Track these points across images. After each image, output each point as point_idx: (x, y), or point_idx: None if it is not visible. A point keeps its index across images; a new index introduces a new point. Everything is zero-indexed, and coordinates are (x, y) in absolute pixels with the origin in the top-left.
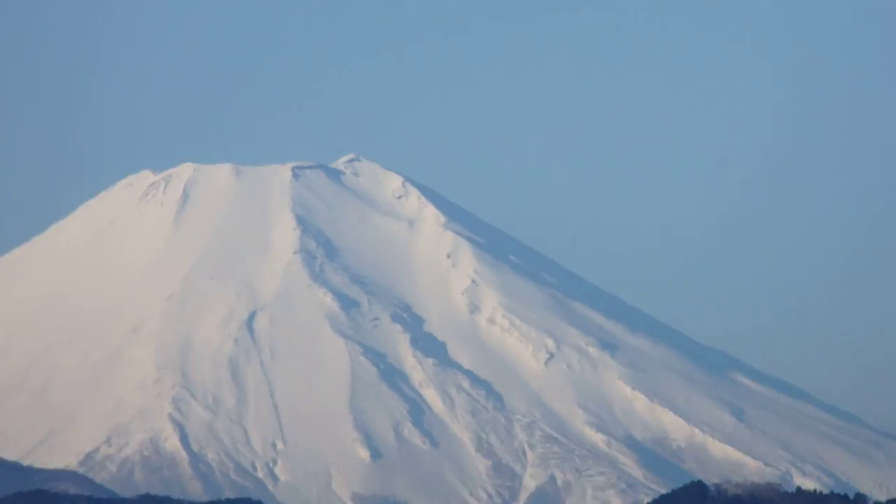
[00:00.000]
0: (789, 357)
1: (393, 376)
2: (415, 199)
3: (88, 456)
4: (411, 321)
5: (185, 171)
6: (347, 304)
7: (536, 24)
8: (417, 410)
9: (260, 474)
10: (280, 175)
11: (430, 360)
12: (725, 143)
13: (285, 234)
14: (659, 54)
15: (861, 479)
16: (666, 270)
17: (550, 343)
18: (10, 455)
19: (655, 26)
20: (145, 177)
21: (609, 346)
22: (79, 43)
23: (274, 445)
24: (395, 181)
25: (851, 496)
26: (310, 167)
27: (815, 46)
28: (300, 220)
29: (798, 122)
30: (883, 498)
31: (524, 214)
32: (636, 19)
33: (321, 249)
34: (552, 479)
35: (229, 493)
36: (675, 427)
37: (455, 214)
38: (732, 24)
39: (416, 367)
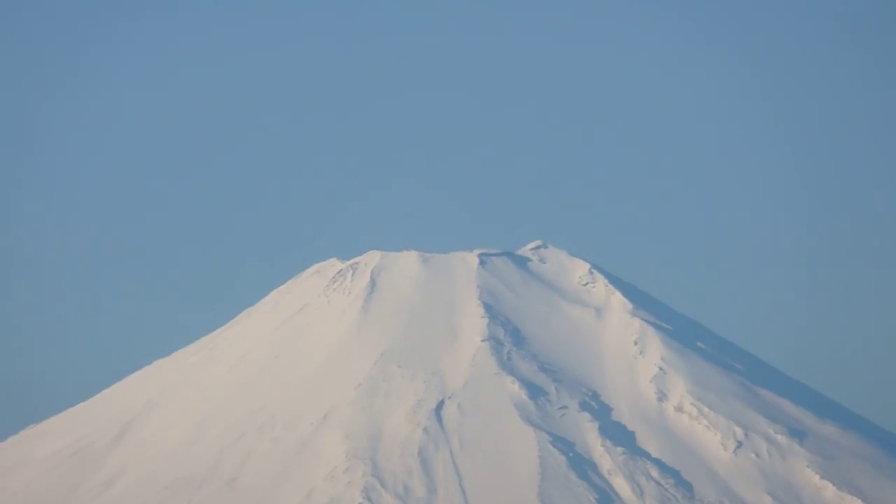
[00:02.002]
0: None
1: (582, 465)
2: (602, 286)
3: None
4: (599, 410)
5: (371, 258)
6: (535, 392)
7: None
8: (607, 499)
9: None
10: (467, 262)
11: (619, 449)
12: None
13: (473, 322)
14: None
15: None
16: (852, 356)
17: (739, 431)
18: None
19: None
20: (333, 264)
21: (797, 433)
22: (279, 137)
23: None
24: (581, 268)
25: None
26: (496, 254)
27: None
28: (487, 308)
29: None
30: None
31: (711, 301)
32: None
33: (509, 337)
34: None
35: None
36: None
37: (642, 301)
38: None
39: (604, 456)
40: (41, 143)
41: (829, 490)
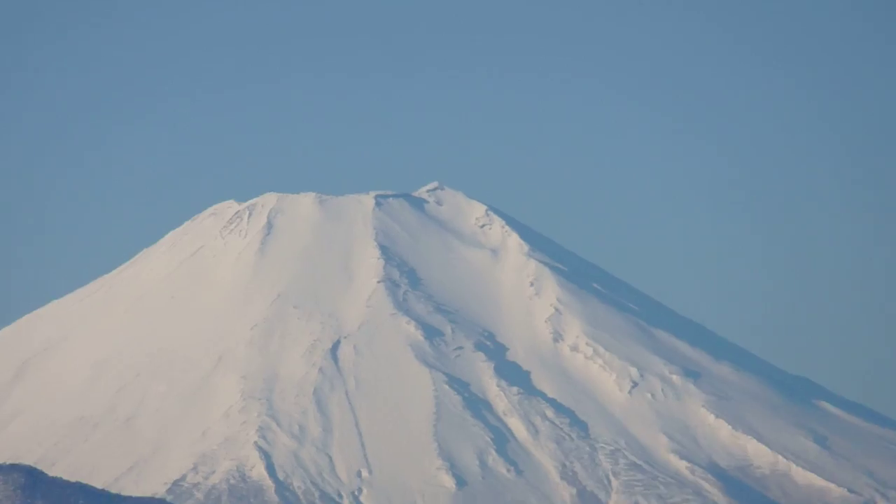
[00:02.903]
0: (874, 383)
1: (477, 405)
2: (498, 227)
3: (175, 484)
4: (495, 350)
5: (268, 200)
6: (431, 333)
7: (616, 47)
8: (502, 439)
9: (346, 502)
10: (363, 204)
11: (514, 389)
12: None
13: (369, 264)
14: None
15: None
16: (749, 298)
17: (634, 371)
18: (99, 483)
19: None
20: (229, 206)
21: (692, 374)
22: (165, 69)
23: (359, 474)
24: (478, 210)
25: None
26: (393, 196)
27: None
28: (383, 250)
29: None
30: None
31: (607, 242)
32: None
33: (405, 278)
34: None
35: None
36: (758, 454)
37: (538, 243)
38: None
39: (500, 396)
40: None
41: (724, 429)
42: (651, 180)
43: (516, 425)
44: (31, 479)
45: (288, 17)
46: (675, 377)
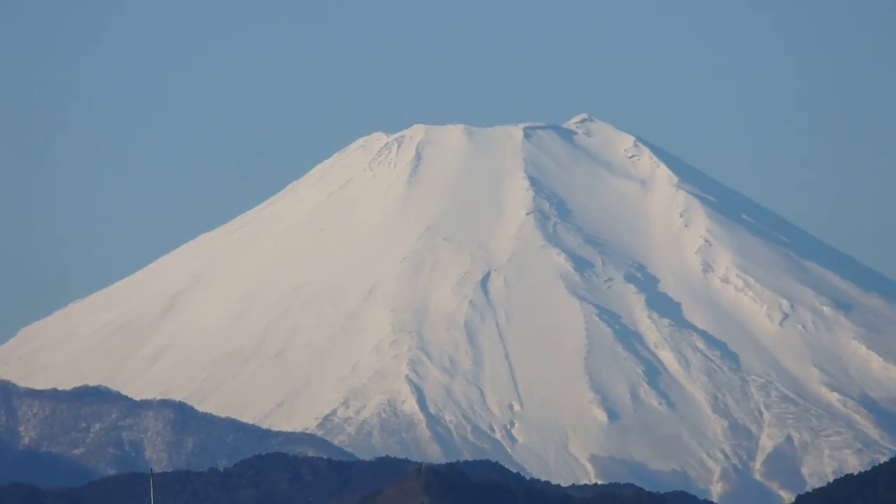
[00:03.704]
0: None
1: (628, 337)
2: (647, 159)
3: (326, 419)
4: (645, 282)
5: (417, 132)
6: (581, 264)
7: None
8: (653, 372)
9: (497, 436)
10: (512, 136)
11: (665, 321)
12: None
13: (518, 195)
14: None
15: None
16: None
17: (785, 303)
18: (249, 419)
19: None
20: (378, 138)
21: (843, 305)
22: (322, 15)
23: (511, 407)
24: (627, 141)
25: None
26: (542, 127)
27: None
28: (533, 181)
29: None
30: None
31: (757, 173)
32: None
33: (554, 210)
34: (789, 439)
35: (467, 455)
36: None
37: (687, 174)
38: None
39: (651, 329)
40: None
41: (876, 361)
42: (800, 111)
43: (668, 358)
44: (181, 415)
45: None
46: (826, 309)
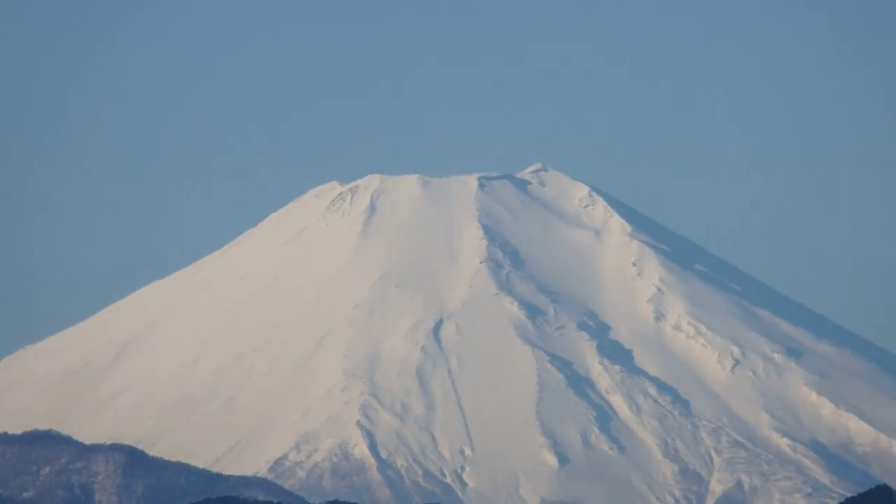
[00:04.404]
0: None
1: (580, 383)
2: (601, 208)
3: (277, 462)
4: (597, 329)
5: (371, 181)
6: (534, 312)
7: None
8: (604, 417)
9: (448, 480)
10: (466, 185)
11: (617, 368)
12: None
13: (472, 244)
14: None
15: None
16: (849, 276)
17: (736, 350)
18: (200, 463)
19: None
20: (332, 188)
21: (794, 352)
22: (267, 53)
23: (462, 452)
24: (581, 191)
25: None
26: (496, 178)
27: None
28: (487, 230)
29: None
30: None
31: (709, 222)
32: None
33: (507, 259)
34: (739, 483)
35: (418, 499)
36: (860, 432)
37: (641, 224)
38: None
39: (602, 375)
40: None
41: (827, 407)
42: (754, 162)
43: (619, 403)
44: (132, 459)
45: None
46: (776, 355)
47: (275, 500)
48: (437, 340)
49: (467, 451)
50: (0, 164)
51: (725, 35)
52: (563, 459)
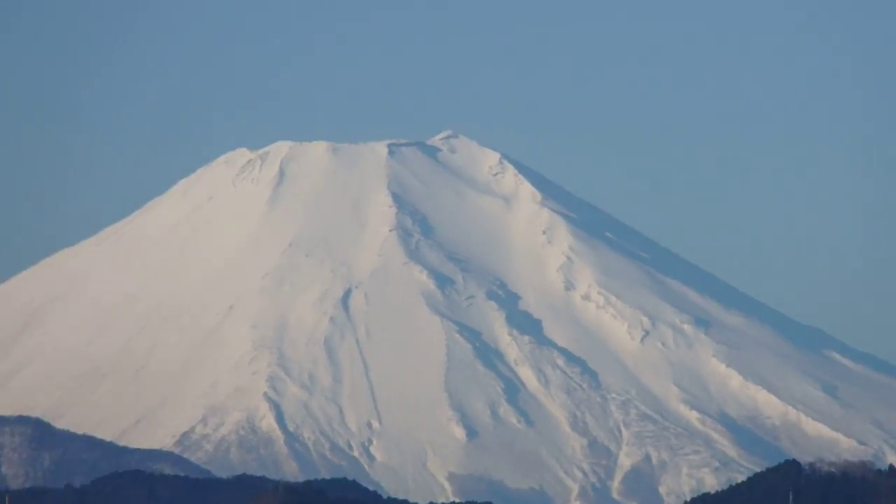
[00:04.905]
0: (884, 333)
1: (488, 354)
2: (511, 176)
3: (184, 436)
4: (507, 299)
5: (281, 148)
6: (443, 281)
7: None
8: (513, 389)
9: (356, 454)
10: (376, 152)
11: (526, 338)
12: (824, 127)
13: (381, 212)
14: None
15: None
16: (759, 247)
17: (645, 320)
18: (107, 435)
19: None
20: (242, 154)
21: (703, 323)
22: (185, 27)
23: (369, 425)
24: (491, 158)
25: None
26: (406, 144)
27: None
28: (396, 198)
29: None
30: None
31: (620, 191)
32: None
33: (417, 227)
34: (647, 457)
35: (325, 473)
36: (768, 405)
37: (551, 191)
38: None
39: (511, 346)
40: None
41: (735, 379)
42: (660, 120)
43: (527, 375)
44: (38, 431)
45: None
46: (686, 326)
47: (182, 474)
48: (346, 310)
49: (375, 424)
50: None
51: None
52: (471, 433)
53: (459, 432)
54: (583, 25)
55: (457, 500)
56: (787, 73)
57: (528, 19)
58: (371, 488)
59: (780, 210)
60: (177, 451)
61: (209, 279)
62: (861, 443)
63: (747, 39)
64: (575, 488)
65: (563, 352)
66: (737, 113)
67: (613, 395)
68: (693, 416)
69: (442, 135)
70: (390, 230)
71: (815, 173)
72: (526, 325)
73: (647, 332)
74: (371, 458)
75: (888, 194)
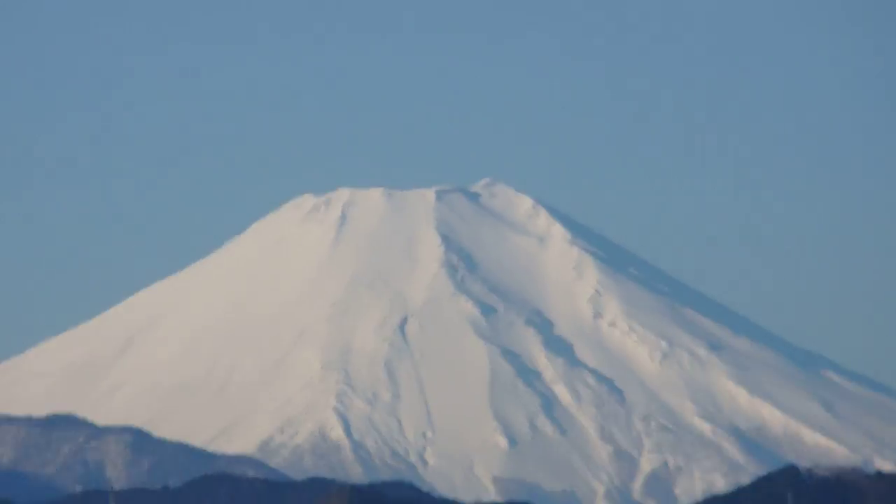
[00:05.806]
0: (874, 356)
1: (527, 374)
2: (544, 218)
3: (264, 443)
4: (543, 325)
5: (342, 194)
6: (487, 310)
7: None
8: (549, 404)
9: (412, 459)
10: (425, 198)
11: (560, 360)
12: (834, 151)
13: (431, 250)
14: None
15: None
16: (766, 281)
17: (664, 345)
18: (197, 442)
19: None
20: (307, 199)
21: (716, 347)
22: (252, 79)
23: (424, 434)
24: (526, 202)
25: None
26: (451, 191)
27: None
28: (444, 238)
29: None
30: None
31: (642, 231)
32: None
33: (462, 263)
34: (665, 463)
35: (385, 476)
36: (773, 418)
37: (580, 232)
38: None
39: (547, 366)
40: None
41: (743, 396)
42: (683, 167)
43: (562, 391)
44: (138, 439)
45: (352, 17)
46: (700, 350)
47: (262, 477)
48: (403, 335)
49: (429, 434)
50: None
51: (645, 45)
52: (512, 441)
53: (502, 441)
54: (608, 78)
55: (499, 500)
56: (819, 115)
57: (554, 73)
58: (425, 489)
59: (785, 250)
60: (258, 456)
61: (282, 309)
62: (853, 451)
63: (786, 81)
64: (601, 490)
65: (593, 372)
66: (752, 155)
67: (636, 410)
68: (706, 427)
69: (482, 182)
70: (439, 266)
71: (815, 219)
72: (560, 348)
73: (666, 355)
74: (425, 463)
75: (888, 237)
